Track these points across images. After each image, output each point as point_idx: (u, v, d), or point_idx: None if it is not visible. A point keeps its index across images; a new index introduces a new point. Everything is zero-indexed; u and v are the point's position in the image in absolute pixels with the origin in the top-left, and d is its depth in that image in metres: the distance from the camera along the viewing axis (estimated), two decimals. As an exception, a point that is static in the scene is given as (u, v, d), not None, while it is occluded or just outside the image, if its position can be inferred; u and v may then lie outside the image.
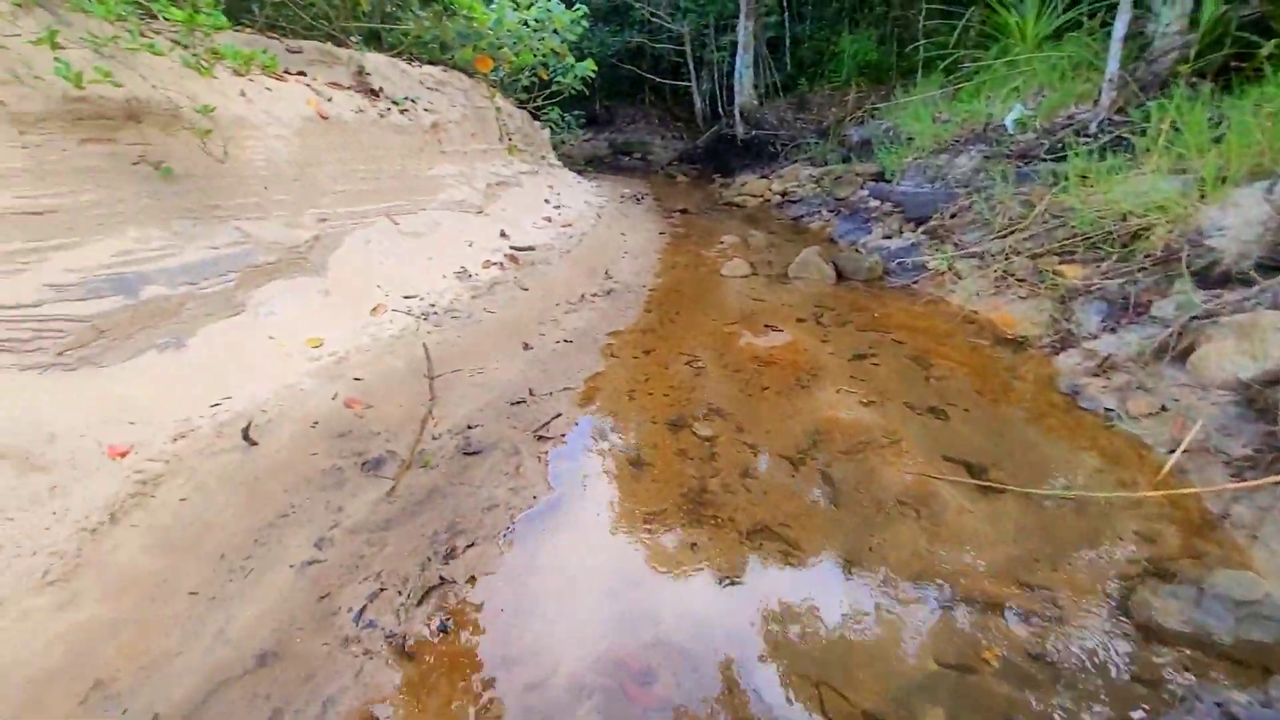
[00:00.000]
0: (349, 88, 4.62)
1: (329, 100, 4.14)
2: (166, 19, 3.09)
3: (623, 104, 18.20)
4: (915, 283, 5.05)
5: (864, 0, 12.59)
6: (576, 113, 11.41)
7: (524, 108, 8.48)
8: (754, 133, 12.59)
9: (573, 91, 8.21)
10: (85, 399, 2.30)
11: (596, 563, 2.06)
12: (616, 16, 14.79)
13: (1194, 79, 5.72)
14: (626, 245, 6.38)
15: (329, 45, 4.94)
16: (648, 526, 2.24)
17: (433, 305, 3.91)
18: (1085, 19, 7.44)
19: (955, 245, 5.21)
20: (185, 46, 3.28)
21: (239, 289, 3.09)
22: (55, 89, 2.51)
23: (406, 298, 3.88)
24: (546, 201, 6.89)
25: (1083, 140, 5.51)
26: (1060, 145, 5.82)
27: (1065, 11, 7.41)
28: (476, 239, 5.02)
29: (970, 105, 7.46)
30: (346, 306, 3.53)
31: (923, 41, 10.19)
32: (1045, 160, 5.66)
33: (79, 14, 2.84)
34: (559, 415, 2.98)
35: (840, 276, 5.30)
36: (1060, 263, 4.29)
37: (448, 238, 4.78)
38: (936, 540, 2.13)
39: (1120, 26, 5.80)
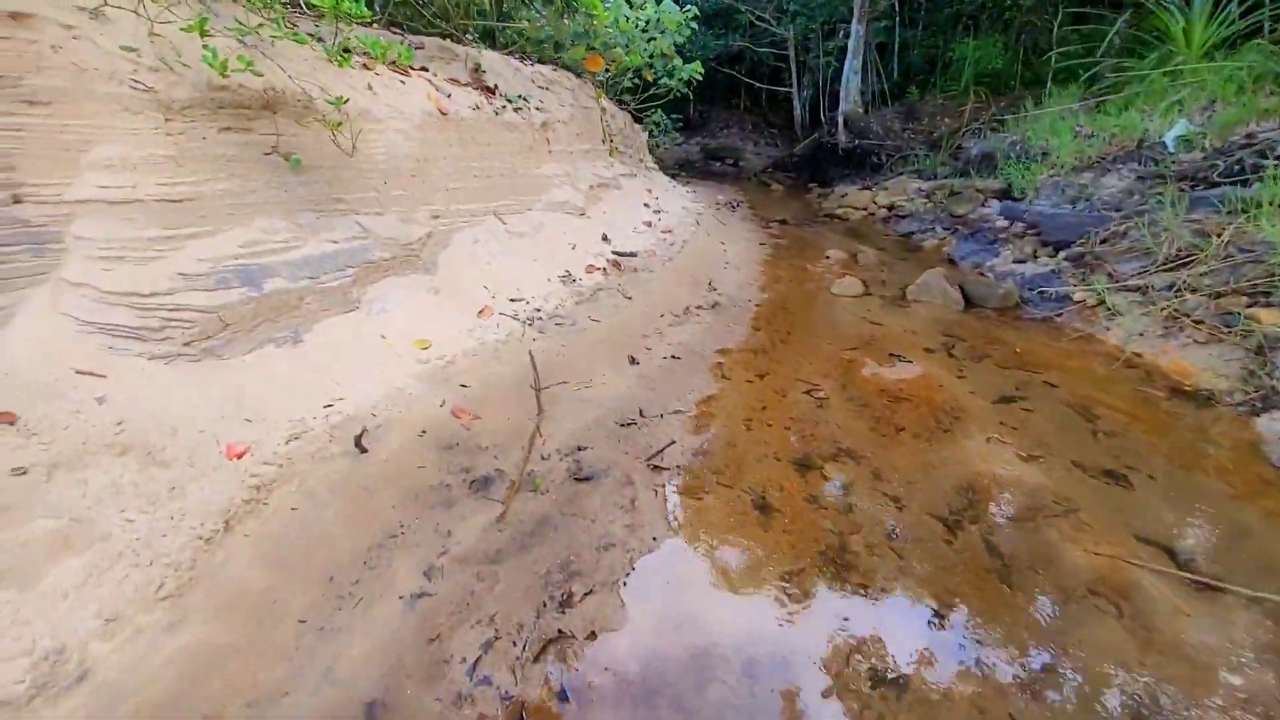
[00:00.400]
0: (466, 84, 4.57)
1: (448, 96, 4.08)
2: (311, 6, 3.07)
3: (716, 108, 17.92)
4: (1059, 315, 4.50)
5: (986, 5, 11.76)
6: (674, 116, 11.20)
7: (625, 109, 8.35)
8: (857, 142, 11.99)
9: (678, 94, 8.00)
10: (207, 392, 2.25)
11: (732, 631, 1.79)
12: (720, 20, 14.51)
13: None
14: (727, 256, 6.09)
15: (447, 42, 4.93)
16: (785, 589, 1.95)
17: (538, 310, 3.77)
18: (1268, 23, 6.56)
19: (1109, 276, 4.61)
20: (320, 40, 3.28)
21: (355, 285, 3.03)
22: (201, 77, 2.50)
23: (512, 300, 3.75)
24: (646, 205, 6.70)
25: (1274, 162, 4.76)
26: (1240, 168, 5.07)
27: (1244, 16, 6.55)
28: (579, 241, 4.87)
29: (1118, 119, 6.69)
30: (454, 307, 3.43)
31: (1059, 50, 9.38)
32: (1221, 184, 4.94)
33: (225, 2, 2.85)
34: (673, 443, 2.73)
35: (968, 303, 4.81)
36: (1252, 304, 3.67)
37: (552, 239, 4.65)
38: (1151, 651, 1.74)
39: (1326, 32, 5.00)
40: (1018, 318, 4.61)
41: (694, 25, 7.60)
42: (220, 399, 2.26)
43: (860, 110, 12.30)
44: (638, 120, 8.80)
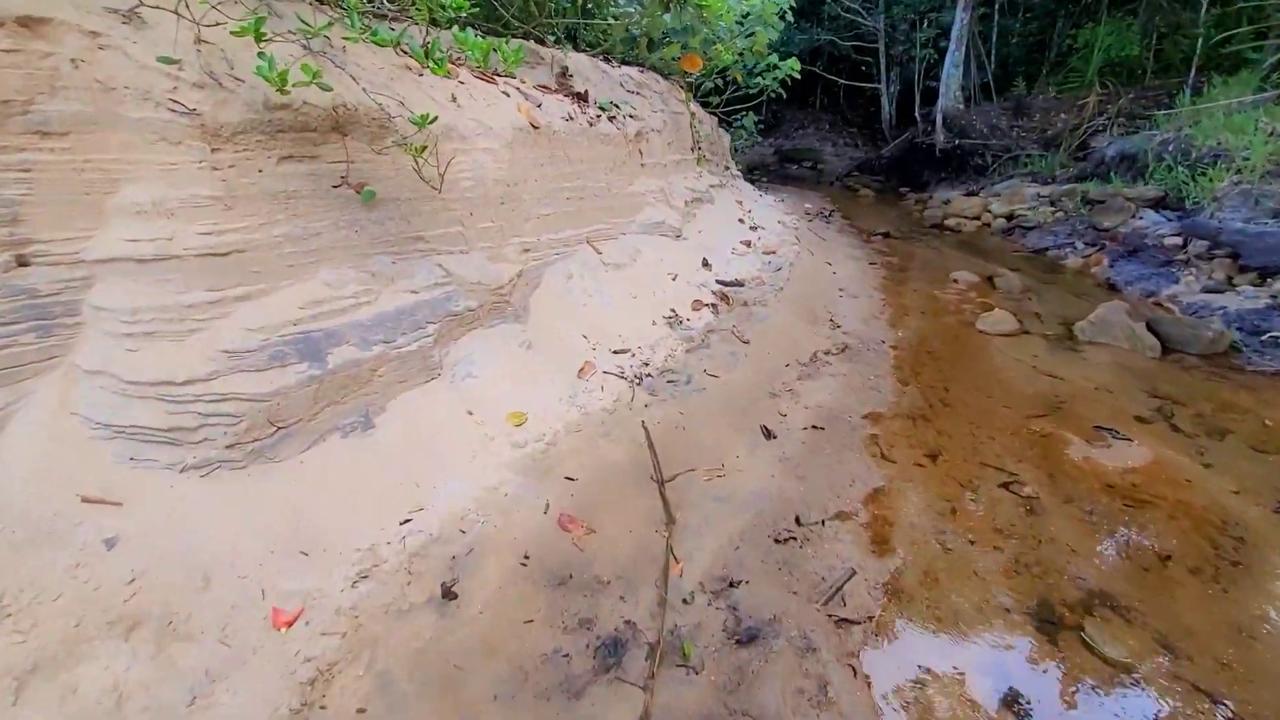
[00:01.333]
0: (555, 91, 3.97)
1: (538, 106, 3.49)
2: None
3: (791, 108, 16.90)
4: (1293, 368, 3.52)
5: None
6: (756, 119, 10.40)
7: (711, 112, 7.64)
8: (957, 142, 10.87)
9: (772, 94, 7.23)
10: (252, 515, 1.69)
11: None
12: (804, 13, 13.59)
13: None
14: (839, 280, 5.29)
15: (529, 43, 4.35)
16: None
17: (645, 364, 3.12)
18: None
19: (1365, 318, 3.60)
20: (396, 45, 2.72)
21: (436, 345, 2.45)
22: (256, 94, 1.95)
23: (615, 352, 3.11)
24: (740, 221, 5.97)
25: None
26: None
27: None
28: (680, 270, 4.21)
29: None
30: (551, 365, 2.81)
31: (1221, 33, 8.11)
32: None
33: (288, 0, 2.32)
34: (852, 573, 2.02)
35: (1164, 347, 3.87)
36: None
37: (650, 269, 4.00)
38: None
39: None
40: (1236, 369, 3.65)
41: (790, 17, 6.82)
42: (269, 524, 1.69)
43: (960, 106, 11.17)
44: (724, 124, 8.08)
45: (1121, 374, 3.59)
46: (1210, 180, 5.55)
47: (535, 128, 3.31)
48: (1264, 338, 3.78)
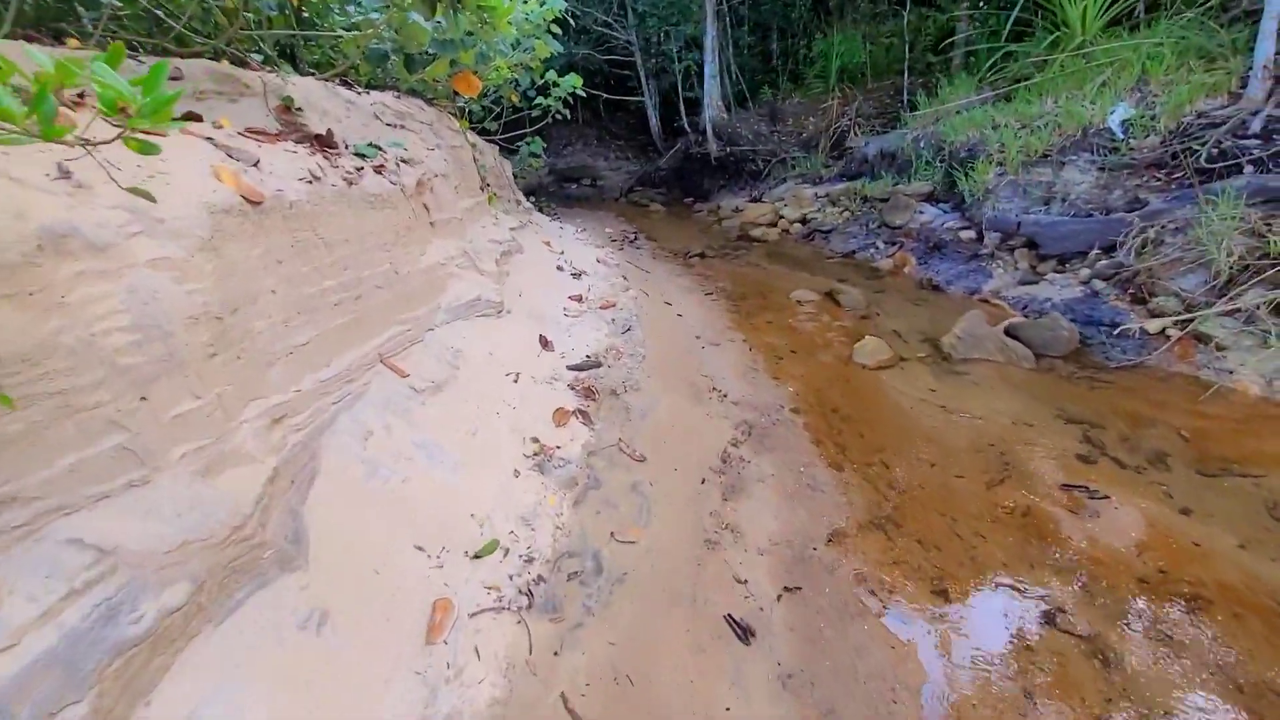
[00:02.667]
0: (279, 136, 2.56)
1: (254, 165, 2.10)
2: None
3: (555, 125, 16.29)
4: (1147, 358, 3.60)
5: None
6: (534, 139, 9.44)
7: (490, 140, 6.51)
8: (729, 149, 11.13)
9: (555, 116, 6.33)
10: None
11: None
12: (561, 26, 12.95)
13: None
14: (690, 325, 4.59)
15: (224, 65, 2.85)
16: None
17: (528, 559, 1.97)
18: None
19: (1178, 298, 3.83)
20: None
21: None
22: None
23: (475, 556, 1.91)
24: (560, 269, 4.98)
25: (1246, 143, 4.34)
26: (1222, 152, 4.62)
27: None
28: (519, 362, 3.08)
29: (1031, 109, 6.25)
30: (365, 640, 1.54)
31: (949, 38, 9.15)
32: (1226, 174, 4.43)
33: None
34: None
35: (1034, 354, 3.78)
36: None
37: (481, 376, 2.81)
38: None
39: (1277, 0, 4.71)
40: (1102, 367, 3.65)
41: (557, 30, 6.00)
42: None
43: (725, 115, 11.48)
44: (505, 153, 6.99)
45: (1020, 397, 3.35)
46: (978, 174, 5.97)
47: (253, 203, 1.94)
48: (1114, 331, 3.86)
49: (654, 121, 13.18)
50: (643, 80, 12.68)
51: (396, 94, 4.37)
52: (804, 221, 8.11)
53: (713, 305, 5.17)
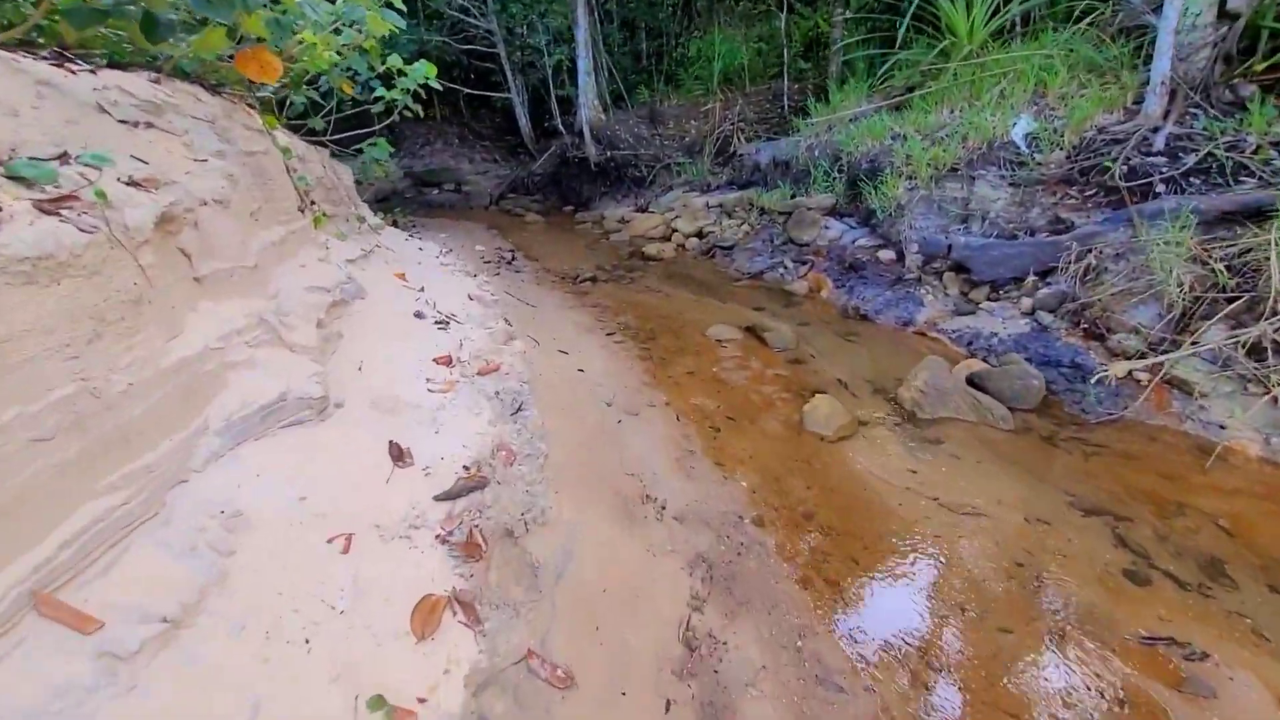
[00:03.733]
0: None
1: None
2: None
3: (408, 122, 14.48)
4: (1124, 411, 3.16)
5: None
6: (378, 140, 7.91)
7: (317, 142, 5.07)
8: (609, 153, 10.25)
9: (408, 112, 5.02)
10: None
11: None
12: (409, 11, 11.27)
13: (1234, 81, 4.80)
14: (595, 383, 3.60)
15: None
16: None
17: None
18: (1039, 11, 6.46)
19: (1138, 334, 3.45)
20: None
21: None
22: None
23: None
24: (419, 317, 3.76)
25: (1154, 160, 4.20)
26: (1132, 170, 4.45)
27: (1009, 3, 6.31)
28: (353, 509, 1.92)
29: (929, 119, 5.97)
30: None
31: (842, 43, 8.84)
32: (1136, 190, 4.22)
33: None
34: None
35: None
36: None
37: (276, 565, 1.64)
38: None
39: (1172, 14, 4.61)
40: (1082, 424, 3.16)
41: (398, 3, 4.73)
42: None
43: (603, 116, 10.57)
44: (337, 156, 5.55)
45: (1015, 474, 2.74)
46: (888, 189, 5.54)
47: None
48: (1079, 375, 3.40)
49: (524, 121, 11.97)
50: (508, 75, 11.42)
51: (154, 76, 2.94)
52: (701, 236, 7.40)
53: (618, 351, 4.21)
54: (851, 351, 4.12)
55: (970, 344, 3.97)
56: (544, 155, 11.37)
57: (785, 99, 10.23)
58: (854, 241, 5.73)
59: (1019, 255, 4.23)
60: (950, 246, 4.49)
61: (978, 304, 4.31)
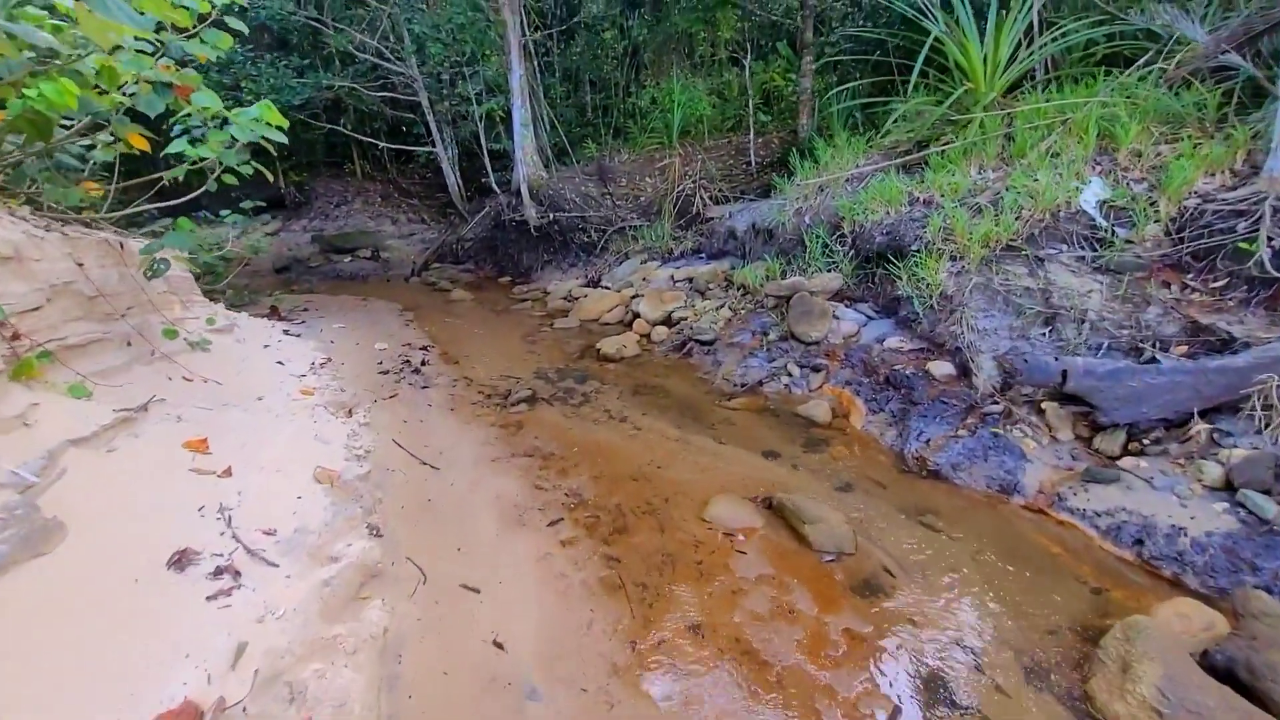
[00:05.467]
0: None
1: None
2: None
3: (320, 178, 12.73)
4: None
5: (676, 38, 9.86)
6: (238, 198, 6.11)
7: (93, 225, 3.28)
8: (552, 215, 8.72)
9: (242, 171, 3.31)
10: None
11: None
12: (301, 50, 9.61)
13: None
14: (528, 689, 1.86)
15: None
16: None
17: None
18: (1059, 55, 5.36)
19: None
20: None
21: None
22: None
23: None
24: (177, 568, 1.96)
25: None
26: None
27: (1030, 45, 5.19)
28: None
29: (956, 180, 4.69)
30: None
31: (842, 88, 7.68)
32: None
33: None
34: None
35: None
36: None
37: None
38: None
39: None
40: None
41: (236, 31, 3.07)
42: None
43: (543, 174, 9.08)
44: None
45: None
46: (925, 271, 4.14)
47: None
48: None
49: (453, 179, 10.37)
50: (433, 127, 9.86)
51: None
52: (670, 323, 5.85)
53: (567, 573, 2.49)
54: (945, 557, 2.54)
55: (1139, 545, 2.46)
56: (476, 217, 9.75)
57: (752, 154, 9.06)
58: (881, 341, 4.27)
59: (1172, 388, 2.80)
60: (1065, 373, 3.02)
61: (1115, 460, 2.84)
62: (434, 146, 10.09)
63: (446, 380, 4.75)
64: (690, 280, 6.64)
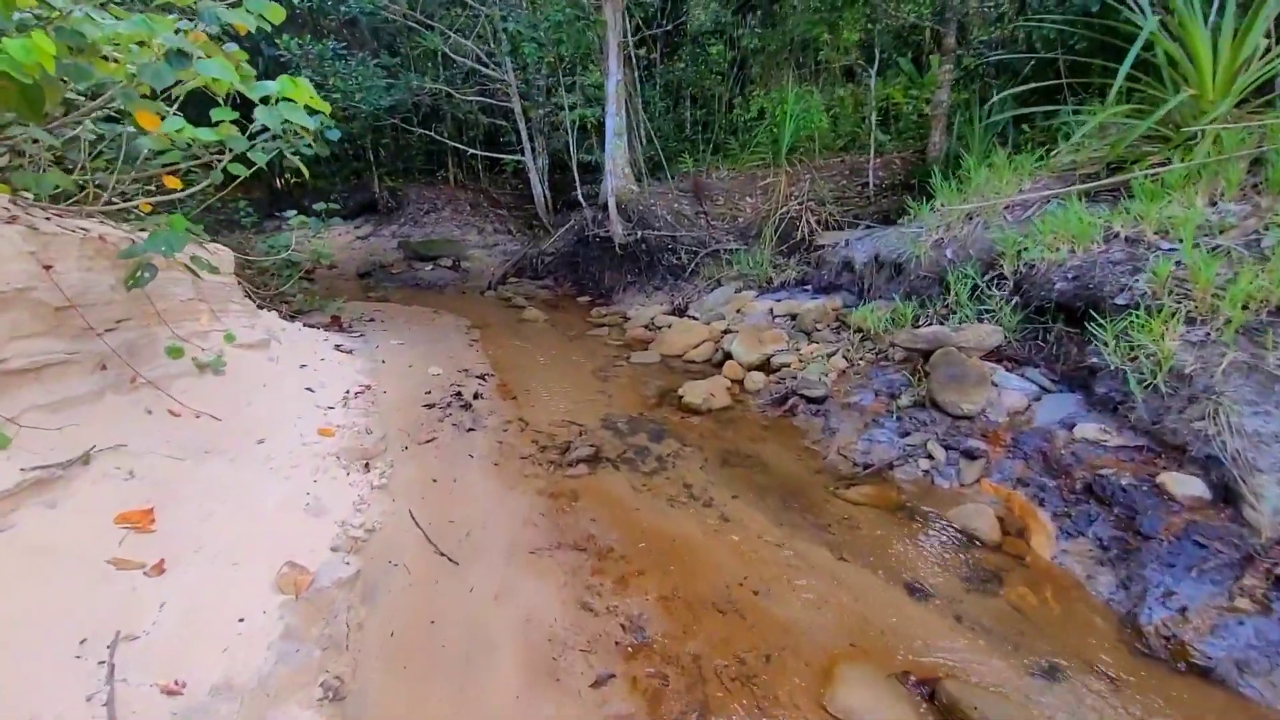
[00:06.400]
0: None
1: None
2: None
3: (414, 184, 12.70)
4: None
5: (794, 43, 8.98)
6: (332, 201, 5.77)
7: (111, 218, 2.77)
8: (640, 233, 7.96)
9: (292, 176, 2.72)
10: None
11: None
12: (393, 50, 9.45)
13: None
14: None
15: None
16: None
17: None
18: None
19: None
20: None
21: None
22: None
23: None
24: None
25: None
26: None
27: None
28: None
29: (1181, 216, 3.45)
30: None
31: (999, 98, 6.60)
32: None
33: None
34: None
35: None
36: None
37: None
38: None
39: None
40: None
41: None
42: None
43: (634, 188, 8.35)
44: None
45: None
46: (1149, 334, 2.96)
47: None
48: None
49: (540, 189, 9.87)
50: (524, 135, 9.40)
51: None
52: (769, 369, 4.87)
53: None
54: None
55: None
56: (559, 231, 9.16)
57: (870, 175, 7.94)
58: (1068, 427, 3.10)
59: None
60: None
61: None
62: (524, 156, 9.62)
63: (498, 421, 4.00)
64: (793, 317, 5.63)
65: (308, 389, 3.59)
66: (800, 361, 4.78)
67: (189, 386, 2.84)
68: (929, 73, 8.72)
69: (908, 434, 3.58)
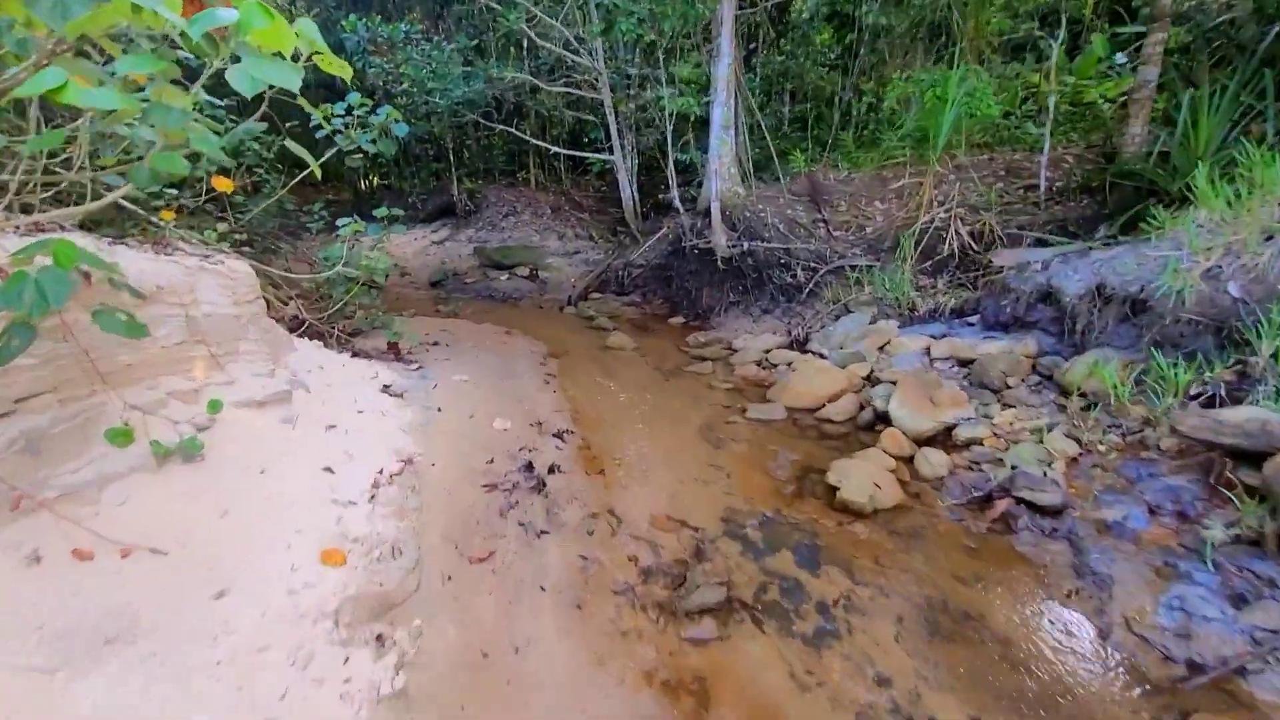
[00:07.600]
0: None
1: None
2: None
3: (493, 184, 11.96)
4: None
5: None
6: (411, 203, 4.90)
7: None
8: (746, 245, 6.69)
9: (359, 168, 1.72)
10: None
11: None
12: (469, 33, 8.60)
13: None
14: None
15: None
16: None
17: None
18: None
19: None
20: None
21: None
22: None
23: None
24: None
25: None
26: None
27: None
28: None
29: None
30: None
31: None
32: None
33: None
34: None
35: None
36: None
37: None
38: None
39: None
40: None
41: None
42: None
43: (740, 190, 7.09)
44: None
45: None
46: None
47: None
48: None
49: (628, 192, 8.78)
50: (613, 131, 8.33)
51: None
52: (952, 445, 3.49)
53: None
54: None
55: None
56: (651, 239, 8.02)
57: (1041, 177, 6.32)
58: None
59: None
60: None
61: None
62: (612, 154, 8.57)
63: (580, 514, 2.87)
64: (964, 364, 4.23)
65: (326, 469, 2.60)
66: (998, 438, 3.39)
67: (132, 493, 1.87)
68: (1084, 53, 6.97)
69: (1246, 603, 2.16)
